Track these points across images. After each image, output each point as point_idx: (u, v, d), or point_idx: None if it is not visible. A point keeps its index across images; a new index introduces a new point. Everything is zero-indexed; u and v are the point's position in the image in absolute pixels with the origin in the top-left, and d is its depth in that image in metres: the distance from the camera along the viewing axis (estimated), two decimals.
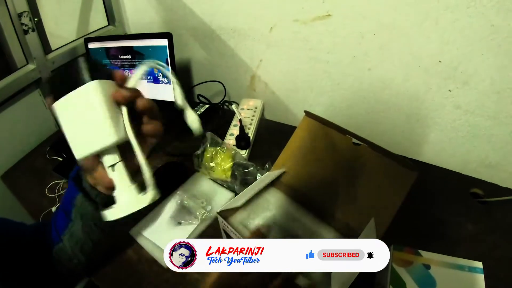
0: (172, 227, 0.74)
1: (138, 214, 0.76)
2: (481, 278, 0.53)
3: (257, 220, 0.59)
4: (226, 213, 0.58)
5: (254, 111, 1.04)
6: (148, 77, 1.07)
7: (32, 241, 0.59)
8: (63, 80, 0.40)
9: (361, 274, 0.44)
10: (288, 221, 0.60)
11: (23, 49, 0.97)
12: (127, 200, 0.42)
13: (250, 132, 0.95)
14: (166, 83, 1.05)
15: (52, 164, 0.97)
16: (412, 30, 0.73)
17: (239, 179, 0.79)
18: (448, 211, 0.74)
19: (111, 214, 0.42)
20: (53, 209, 0.84)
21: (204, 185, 0.84)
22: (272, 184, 0.66)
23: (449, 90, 0.76)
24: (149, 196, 0.41)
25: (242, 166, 0.81)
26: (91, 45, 1.10)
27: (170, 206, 0.79)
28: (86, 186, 0.51)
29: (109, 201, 0.53)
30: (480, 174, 0.82)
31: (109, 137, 0.38)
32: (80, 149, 0.39)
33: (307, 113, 0.65)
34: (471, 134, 0.79)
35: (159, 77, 1.05)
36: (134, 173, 0.44)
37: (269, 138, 0.99)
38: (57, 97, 0.38)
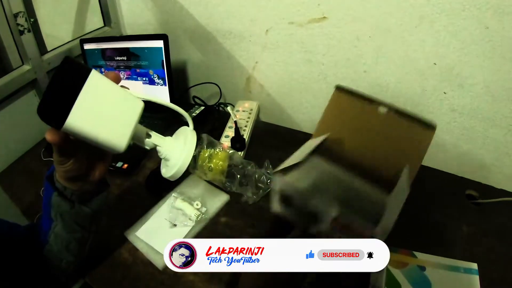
0: (167, 229, 0.74)
1: (134, 214, 0.77)
2: (476, 279, 0.53)
3: (305, 183, 0.60)
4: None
5: (250, 113, 1.03)
6: (144, 79, 1.07)
7: (26, 242, 0.58)
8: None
9: (356, 276, 0.43)
10: (335, 185, 0.61)
11: (19, 49, 0.97)
12: (179, 152, 0.46)
13: (246, 134, 0.95)
14: (162, 85, 1.05)
15: (47, 166, 0.96)
16: (407, 33, 0.74)
17: (237, 179, 0.79)
18: (443, 212, 0.74)
19: (168, 171, 0.46)
20: None
21: (199, 187, 0.84)
22: (315, 150, 0.67)
23: (444, 93, 0.76)
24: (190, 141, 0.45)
25: (241, 165, 0.81)
26: (87, 46, 1.10)
27: (165, 208, 0.78)
28: (59, 186, 0.51)
29: (85, 199, 0.53)
30: (475, 176, 0.83)
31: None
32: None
33: (338, 88, 0.68)
34: (466, 136, 0.80)
35: (155, 79, 1.05)
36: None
37: (265, 140, 0.99)
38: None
